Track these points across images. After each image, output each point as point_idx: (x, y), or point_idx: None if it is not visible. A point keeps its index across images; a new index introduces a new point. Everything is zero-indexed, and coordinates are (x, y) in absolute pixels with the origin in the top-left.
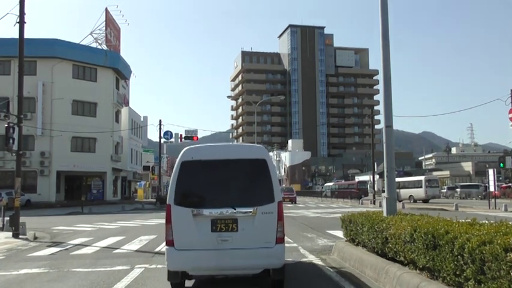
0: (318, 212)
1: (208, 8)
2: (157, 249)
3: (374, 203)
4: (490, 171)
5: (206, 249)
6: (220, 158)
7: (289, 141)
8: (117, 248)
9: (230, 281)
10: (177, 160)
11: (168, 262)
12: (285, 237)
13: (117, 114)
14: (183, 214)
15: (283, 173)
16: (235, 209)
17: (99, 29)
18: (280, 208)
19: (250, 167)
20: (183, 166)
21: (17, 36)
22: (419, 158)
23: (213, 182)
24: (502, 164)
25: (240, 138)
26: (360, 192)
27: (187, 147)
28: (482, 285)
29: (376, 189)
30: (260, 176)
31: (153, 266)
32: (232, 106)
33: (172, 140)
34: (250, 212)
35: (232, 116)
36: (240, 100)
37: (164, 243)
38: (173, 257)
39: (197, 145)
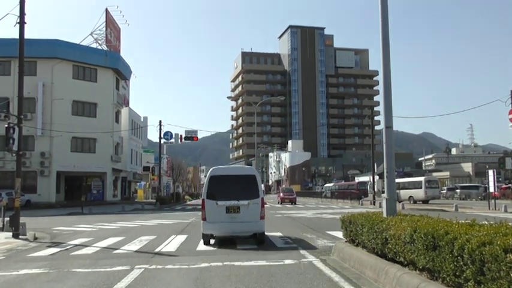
0: (317, 212)
1: (208, 8)
2: (157, 250)
3: (374, 204)
4: (490, 172)
5: (223, 222)
6: (231, 174)
7: (289, 142)
8: (117, 249)
9: (235, 239)
10: (207, 175)
11: (203, 229)
12: (285, 238)
13: (117, 114)
14: (211, 204)
15: (283, 174)
16: (238, 201)
17: (99, 30)
18: (262, 201)
19: (247, 179)
20: (211, 178)
21: (17, 36)
22: (419, 159)
23: (227, 186)
24: (501, 165)
25: (240, 138)
26: (359, 192)
27: (213, 168)
28: (482, 286)
29: (376, 190)
30: (252, 183)
31: (153, 267)
32: (232, 107)
33: (173, 140)
34: (247, 203)
35: (232, 116)
36: (240, 101)
37: (163, 244)
38: (205, 226)
39: (219, 166)
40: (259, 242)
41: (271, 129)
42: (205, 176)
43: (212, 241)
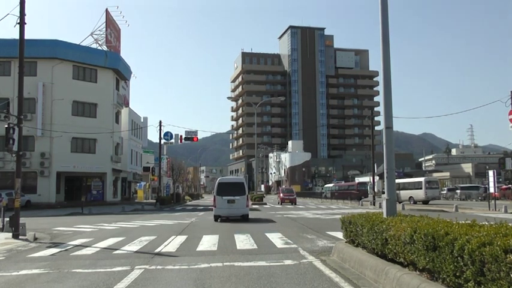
0: (317, 213)
1: (208, 9)
2: (157, 250)
3: (374, 204)
4: (490, 173)
5: (225, 208)
6: (230, 181)
7: (289, 142)
8: (117, 249)
9: (232, 219)
10: (216, 181)
11: (214, 212)
12: (285, 238)
13: (117, 115)
14: (219, 198)
15: (283, 174)
16: (234, 196)
17: (99, 30)
18: (247, 196)
19: (238, 184)
20: (219, 184)
21: (17, 37)
22: (419, 159)
23: (228, 188)
24: (502, 166)
25: (240, 139)
26: (359, 193)
27: (220, 177)
28: (482, 286)
29: (376, 190)
30: (241, 186)
31: (153, 267)
32: (232, 107)
33: (172, 141)
34: (238, 197)
35: (232, 117)
36: (240, 101)
37: (163, 245)
38: (216, 211)
39: (224, 176)
40: (245, 219)
41: (271, 129)
42: (205, 176)
43: (219, 220)
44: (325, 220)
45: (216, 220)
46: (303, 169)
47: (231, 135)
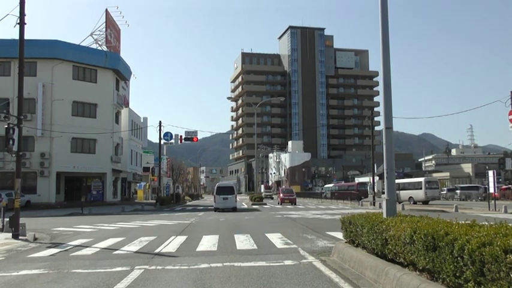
0: (317, 213)
1: (208, 9)
2: (157, 250)
3: (374, 205)
4: (490, 173)
5: (221, 203)
6: (225, 185)
7: (289, 143)
8: (117, 249)
9: (226, 210)
10: (216, 185)
11: (214, 205)
12: (285, 239)
13: (117, 115)
14: (217, 196)
15: (283, 175)
16: (227, 195)
17: (99, 30)
18: (236, 195)
19: (230, 187)
20: (217, 187)
21: (17, 37)
22: (419, 160)
23: (223, 190)
24: (501, 166)
25: (240, 139)
26: (359, 193)
27: (219, 182)
28: (482, 286)
29: (375, 190)
30: (232, 189)
31: (153, 267)
32: (232, 107)
33: (172, 141)
34: (230, 196)
35: (232, 117)
36: (240, 101)
37: (163, 245)
38: (215, 205)
39: (221, 182)
40: (234, 211)
41: (271, 130)
42: (205, 177)
43: (217, 211)
44: (325, 220)
45: (215, 211)
46: (303, 169)
47: (231, 135)
